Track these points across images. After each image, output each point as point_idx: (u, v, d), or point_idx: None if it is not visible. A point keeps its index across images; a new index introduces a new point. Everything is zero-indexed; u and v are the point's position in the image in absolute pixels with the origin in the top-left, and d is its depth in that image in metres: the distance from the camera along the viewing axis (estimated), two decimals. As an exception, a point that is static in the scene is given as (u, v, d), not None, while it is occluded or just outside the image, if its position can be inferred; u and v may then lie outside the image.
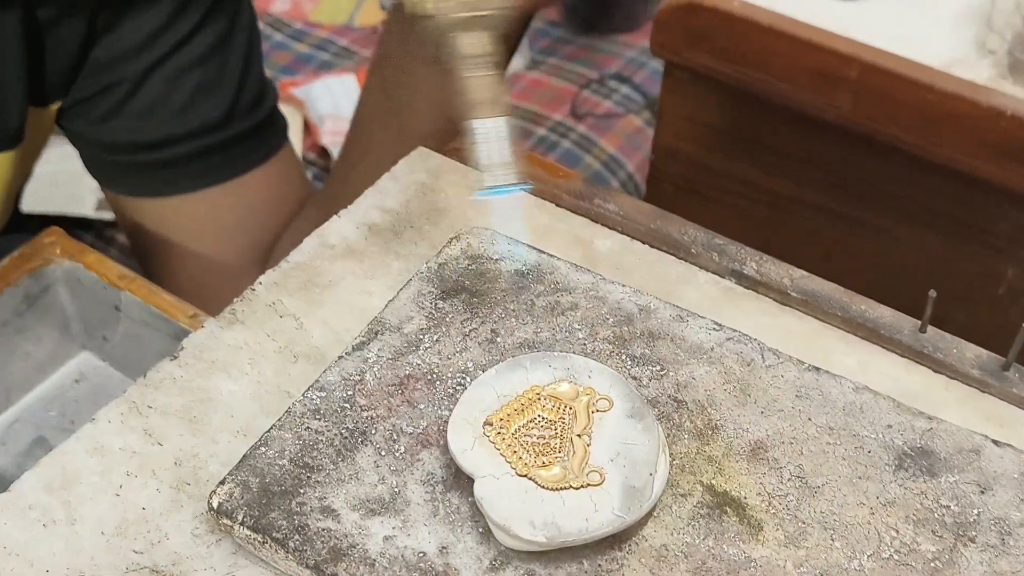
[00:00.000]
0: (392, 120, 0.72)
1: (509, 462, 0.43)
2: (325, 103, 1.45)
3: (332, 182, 0.85)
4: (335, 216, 0.57)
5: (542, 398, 0.46)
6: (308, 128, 1.42)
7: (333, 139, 1.38)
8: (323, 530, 0.43)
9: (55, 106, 0.76)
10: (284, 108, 0.87)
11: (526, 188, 0.47)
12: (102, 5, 0.71)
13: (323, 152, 1.39)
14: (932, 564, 0.43)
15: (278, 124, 0.84)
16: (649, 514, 0.44)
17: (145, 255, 0.85)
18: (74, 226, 1.25)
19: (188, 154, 0.79)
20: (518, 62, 1.55)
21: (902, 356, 0.52)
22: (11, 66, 0.68)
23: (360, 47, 1.60)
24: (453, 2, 0.45)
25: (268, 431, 0.46)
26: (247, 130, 0.80)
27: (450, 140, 0.62)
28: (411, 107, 0.71)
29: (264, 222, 0.83)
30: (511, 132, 0.45)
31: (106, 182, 0.84)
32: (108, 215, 1.25)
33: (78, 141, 0.81)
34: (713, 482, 0.45)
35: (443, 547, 0.43)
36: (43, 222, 0.82)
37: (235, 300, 0.53)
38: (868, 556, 0.43)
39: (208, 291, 0.78)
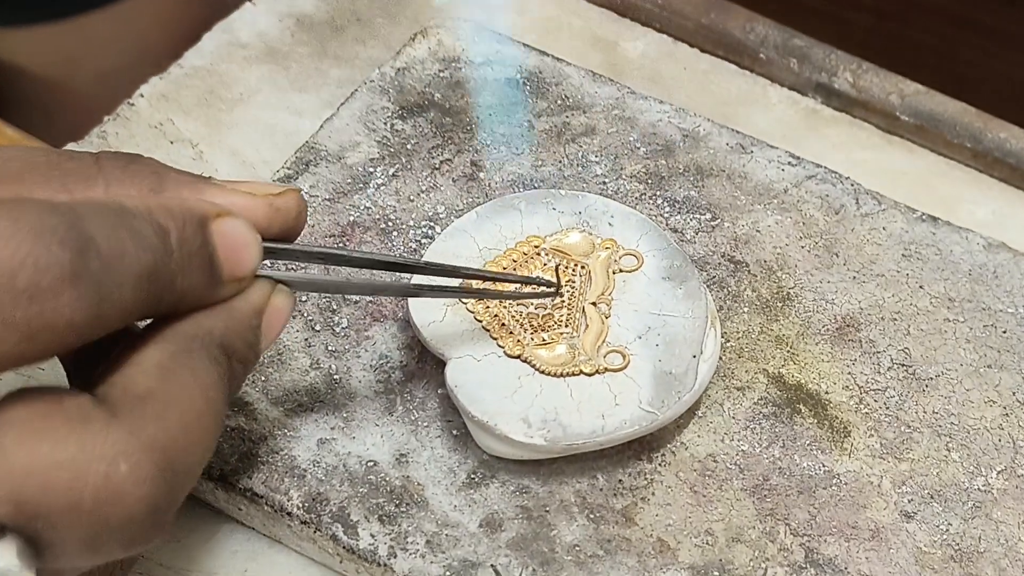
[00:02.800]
0: None
1: (495, 338, 0.44)
2: None
3: None
4: (248, 2, 0.57)
5: (542, 252, 0.46)
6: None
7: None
8: (232, 430, 0.44)
9: None
10: None
11: None
12: None
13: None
14: (1088, 485, 0.45)
15: None
16: (691, 412, 0.45)
17: None
18: None
19: None
20: None
21: (1056, 205, 0.53)
22: None
23: None
24: None
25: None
26: None
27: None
28: None
29: (162, 53, 0.83)
30: None
31: None
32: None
33: None
34: (782, 371, 0.46)
35: (401, 455, 0.44)
36: None
37: (105, 119, 0.53)
38: (998, 473, 0.45)
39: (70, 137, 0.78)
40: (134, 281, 0.33)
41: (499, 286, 0.44)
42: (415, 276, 0.44)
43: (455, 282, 0.44)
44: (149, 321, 0.37)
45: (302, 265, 0.43)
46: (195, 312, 0.37)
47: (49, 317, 0.32)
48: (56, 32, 0.81)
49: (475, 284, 0.45)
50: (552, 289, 0.44)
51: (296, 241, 0.40)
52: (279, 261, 0.39)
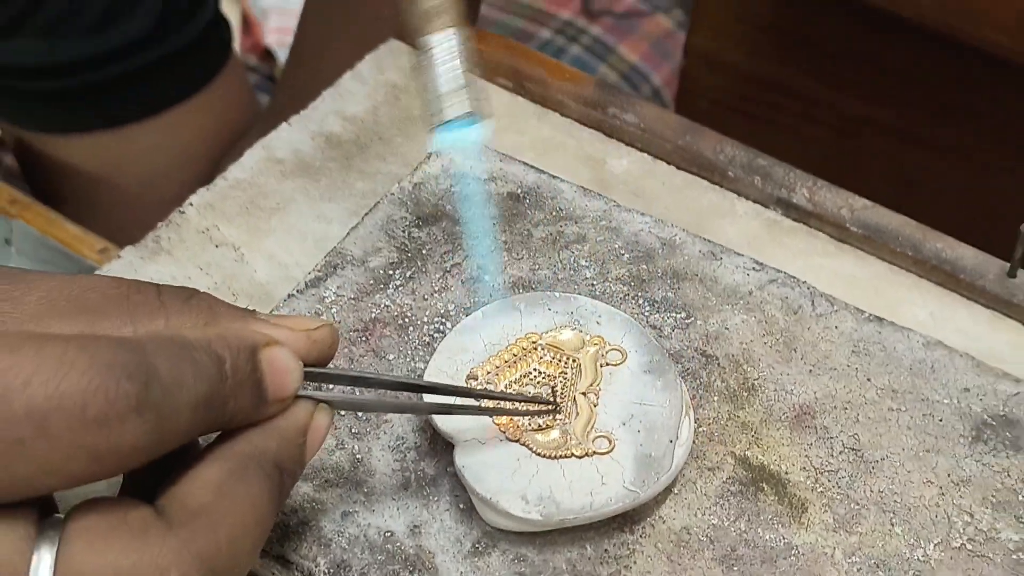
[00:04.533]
0: (350, 32, 0.72)
1: (498, 424, 0.45)
2: (269, -6, 1.45)
3: (280, 92, 0.85)
4: (284, 124, 0.58)
5: (539, 348, 0.47)
6: (248, 25, 1.42)
7: (279, 38, 1.39)
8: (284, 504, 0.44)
9: None
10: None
11: (483, 122, 0.46)
12: None
13: (266, 54, 1.39)
14: (1014, 556, 0.45)
15: (219, 37, 0.84)
16: (668, 490, 0.45)
17: (49, 197, 0.85)
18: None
19: (104, 82, 0.79)
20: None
21: (986, 307, 0.54)
22: None
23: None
24: None
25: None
26: (179, 50, 0.80)
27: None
28: (371, 12, 0.71)
29: (201, 160, 0.82)
30: (465, 48, 0.45)
31: (1, 112, 0.83)
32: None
33: None
34: (748, 453, 0.47)
35: (414, 526, 0.44)
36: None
37: (159, 225, 0.54)
38: (935, 545, 0.45)
39: (125, 240, 0.78)
40: (192, 407, 0.34)
41: (505, 403, 0.45)
42: (430, 396, 0.45)
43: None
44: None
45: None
46: (246, 430, 0.37)
47: (115, 442, 0.32)
48: (106, 139, 0.81)
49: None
50: (550, 407, 0.45)
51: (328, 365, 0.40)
52: (311, 384, 0.39)
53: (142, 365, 0.33)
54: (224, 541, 0.34)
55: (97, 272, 0.52)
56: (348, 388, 0.42)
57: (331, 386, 0.40)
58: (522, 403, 0.45)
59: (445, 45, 0.44)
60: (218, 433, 0.37)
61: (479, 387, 0.46)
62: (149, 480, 0.36)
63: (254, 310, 0.39)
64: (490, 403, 0.45)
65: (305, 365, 0.38)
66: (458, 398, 0.44)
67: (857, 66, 0.95)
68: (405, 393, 0.45)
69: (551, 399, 0.45)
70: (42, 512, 0.33)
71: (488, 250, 0.51)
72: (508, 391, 0.46)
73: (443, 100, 0.44)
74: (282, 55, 1.37)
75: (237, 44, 1.36)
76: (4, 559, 0.32)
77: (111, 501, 0.34)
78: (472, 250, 0.52)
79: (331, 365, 0.41)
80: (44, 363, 0.31)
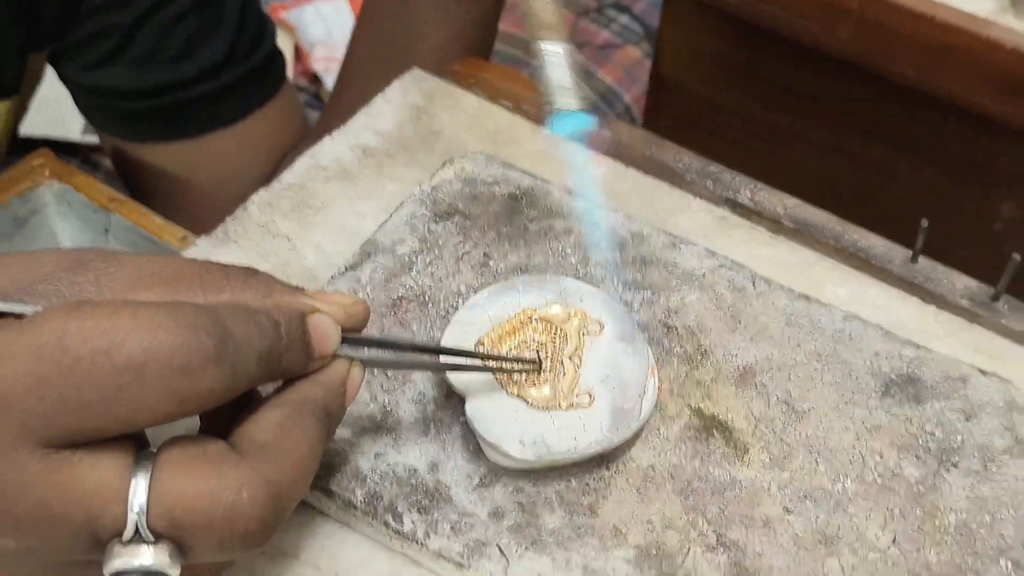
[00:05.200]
0: (385, 61, 0.71)
1: (500, 381, 0.44)
2: (316, 29, 1.44)
3: (324, 121, 0.84)
4: (328, 136, 0.57)
5: (534, 320, 0.47)
6: (299, 54, 1.42)
7: (324, 65, 1.38)
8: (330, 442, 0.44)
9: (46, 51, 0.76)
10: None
11: (590, 115, 0.46)
12: None
13: (314, 78, 1.39)
14: (915, 488, 0.45)
15: (277, 66, 0.83)
16: (637, 435, 0.45)
17: (140, 195, 0.85)
18: (60, 150, 1.25)
19: (186, 100, 0.78)
20: (515, -10, 1.54)
21: (893, 286, 0.53)
22: (6, 10, 0.68)
23: (353, -29, 1.59)
24: None
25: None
26: (245, 74, 0.80)
27: (447, 65, 0.63)
28: (407, 47, 0.71)
29: (262, 164, 0.83)
30: (574, 58, 0.45)
31: (100, 126, 0.83)
32: (94, 139, 1.25)
33: (71, 85, 0.80)
34: (701, 406, 0.47)
35: (433, 464, 0.44)
36: (28, 145, 0.82)
37: (227, 219, 0.53)
38: (852, 479, 0.45)
39: (201, 230, 0.78)
40: (256, 359, 0.34)
41: (504, 364, 0.45)
42: (444, 356, 0.45)
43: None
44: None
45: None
46: (298, 381, 0.37)
47: (197, 387, 0.32)
48: (185, 147, 0.81)
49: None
50: (535, 366, 0.45)
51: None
52: (349, 346, 0.39)
53: (218, 325, 0.33)
54: (285, 468, 0.34)
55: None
56: (379, 350, 0.42)
57: (365, 349, 0.40)
58: (516, 363, 0.45)
59: (558, 52, 0.44)
60: (277, 385, 0.37)
61: (485, 351, 0.45)
62: (222, 424, 0.36)
63: (303, 287, 0.39)
64: (492, 363, 0.45)
65: (342, 331, 0.38)
66: (467, 359, 0.44)
67: (787, 91, 0.95)
68: (426, 355, 0.45)
69: (538, 360, 0.45)
70: (137, 446, 0.33)
71: (493, 240, 0.51)
72: (508, 355, 0.45)
73: (561, 95, 0.44)
74: (327, 79, 1.37)
75: (290, 70, 1.36)
76: (108, 483, 0.32)
77: (193, 437, 0.34)
78: (479, 240, 0.51)
79: (364, 333, 0.41)
80: (139, 324, 0.32)
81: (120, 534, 0.32)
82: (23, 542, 0.32)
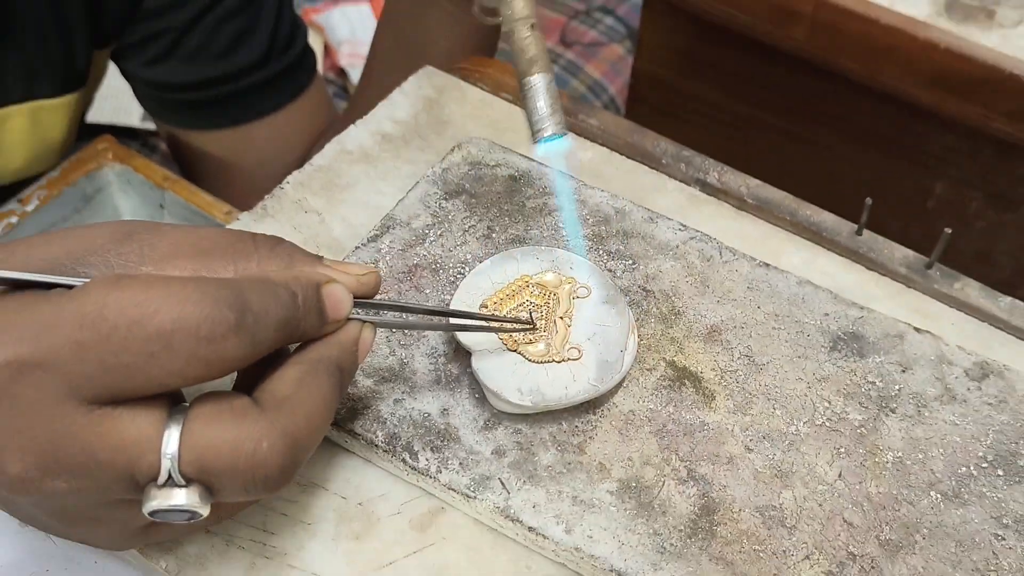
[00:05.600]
0: (402, 60, 0.71)
1: (501, 339, 0.44)
2: (343, 29, 1.43)
3: (351, 110, 0.84)
4: (352, 125, 0.57)
5: (530, 285, 0.46)
6: (328, 51, 1.41)
7: (350, 60, 1.37)
8: (344, 394, 0.44)
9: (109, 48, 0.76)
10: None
11: (566, 138, 0.46)
12: None
13: (341, 72, 1.38)
14: (858, 431, 0.45)
15: (309, 62, 0.83)
16: (619, 385, 0.45)
17: (190, 175, 0.85)
18: (121, 135, 1.25)
19: (230, 93, 0.78)
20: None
21: (840, 256, 0.53)
22: (78, 9, 0.68)
23: (374, -22, 1.57)
24: None
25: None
26: (282, 70, 0.79)
27: (455, 62, 0.62)
28: (421, 47, 0.70)
29: (296, 148, 0.82)
30: (553, 89, 0.45)
31: (155, 114, 0.83)
32: (151, 126, 1.24)
33: (131, 79, 0.80)
34: (674, 359, 0.47)
35: (444, 409, 0.44)
36: (94, 131, 0.82)
37: (266, 197, 0.53)
38: (804, 423, 0.45)
39: (243, 206, 0.78)
40: (274, 327, 0.34)
41: (503, 323, 0.45)
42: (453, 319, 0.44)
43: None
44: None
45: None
46: (315, 342, 0.37)
47: (219, 353, 0.32)
48: (230, 134, 0.81)
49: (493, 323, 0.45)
50: (530, 326, 0.45)
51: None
52: (363, 310, 0.39)
53: (239, 298, 0.33)
54: (302, 420, 0.34)
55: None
56: (395, 314, 0.42)
57: (379, 312, 0.40)
58: (514, 323, 0.45)
59: (541, 84, 0.44)
60: (297, 345, 0.37)
61: (487, 312, 0.45)
62: (256, 377, 0.36)
63: (322, 256, 0.39)
64: (495, 324, 0.44)
65: (356, 298, 0.38)
66: (467, 320, 0.44)
67: (749, 83, 0.95)
68: (436, 317, 0.45)
69: (531, 321, 0.45)
70: (173, 401, 0.33)
71: (495, 215, 0.51)
72: (507, 315, 0.45)
73: (542, 123, 0.44)
74: (352, 73, 1.36)
75: (320, 65, 1.35)
76: (145, 434, 0.32)
77: (221, 393, 0.34)
78: (483, 215, 0.51)
79: (383, 298, 0.40)
80: (169, 297, 0.31)
81: (156, 478, 0.32)
82: (73, 484, 0.32)
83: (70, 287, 0.32)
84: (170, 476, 0.32)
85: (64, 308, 0.31)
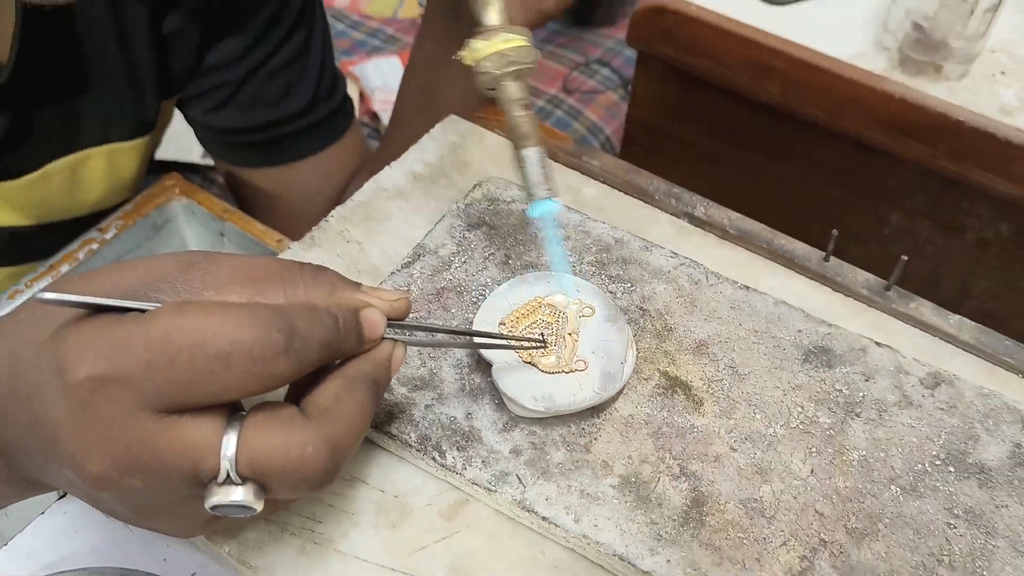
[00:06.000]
0: (426, 107, 0.71)
1: (517, 353, 0.44)
2: (376, 79, 1.44)
3: (383, 149, 0.84)
4: (387, 167, 0.57)
5: (542, 306, 0.46)
6: (363, 97, 1.41)
7: (382, 106, 1.38)
8: (380, 403, 0.44)
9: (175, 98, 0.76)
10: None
11: (556, 201, 0.46)
12: (210, 24, 0.70)
13: (374, 116, 1.38)
14: (828, 432, 0.45)
15: (347, 108, 0.83)
16: (620, 392, 0.45)
17: (244, 206, 0.85)
18: (183, 169, 1.25)
19: (280, 136, 0.78)
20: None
21: (810, 279, 0.53)
22: (148, 67, 0.68)
23: (403, 35, 1.58)
24: (498, 60, 0.45)
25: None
26: (324, 116, 0.79)
27: (472, 112, 0.62)
28: (440, 95, 0.70)
29: (336, 182, 0.82)
30: (547, 158, 0.45)
31: (215, 154, 0.83)
32: (210, 162, 1.24)
33: (194, 124, 0.80)
34: (667, 370, 0.46)
35: (468, 413, 0.44)
36: (161, 167, 0.82)
37: (313, 228, 0.53)
38: (781, 425, 0.45)
39: (291, 234, 0.78)
40: (318, 348, 0.33)
41: (522, 341, 0.45)
42: (474, 338, 0.44)
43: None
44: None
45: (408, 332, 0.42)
46: (353, 359, 0.36)
47: (270, 371, 0.32)
48: (280, 171, 0.81)
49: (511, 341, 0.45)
50: (542, 344, 0.44)
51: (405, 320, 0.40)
52: (395, 330, 0.39)
53: (288, 324, 0.32)
54: (341, 427, 0.34)
55: (277, 256, 0.52)
56: (424, 333, 0.42)
57: (410, 332, 0.40)
58: (527, 341, 0.44)
59: (534, 156, 0.44)
60: (337, 362, 0.37)
61: (505, 331, 0.45)
62: (304, 388, 0.36)
63: (360, 283, 0.39)
64: (512, 341, 0.44)
65: (389, 320, 0.38)
66: (491, 338, 0.44)
67: (728, 128, 0.94)
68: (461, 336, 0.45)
69: (542, 340, 0.44)
70: (232, 410, 0.33)
71: (511, 245, 0.51)
72: (522, 333, 0.45)
73: (535, 189, 0.44)
74: (384, 117, 1.36)
75: (356, 110, 1.36)
76: (207, 439, 0.32)
77: (273, 403, 0.34)
78: (501, 245, 0.51)
79: (414, 318, 0.40)
80: (227, 322, 0.31)
81: (216, 477, 0.32)
82: (146, 482, 0.32)
83: (142, 311, 0.32)
84: (228, 476, 0.32)
85: (136, 332, 0.31)
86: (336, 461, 0.34)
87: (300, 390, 0.36)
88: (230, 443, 0.32)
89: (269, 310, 0.32)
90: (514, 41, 0.45)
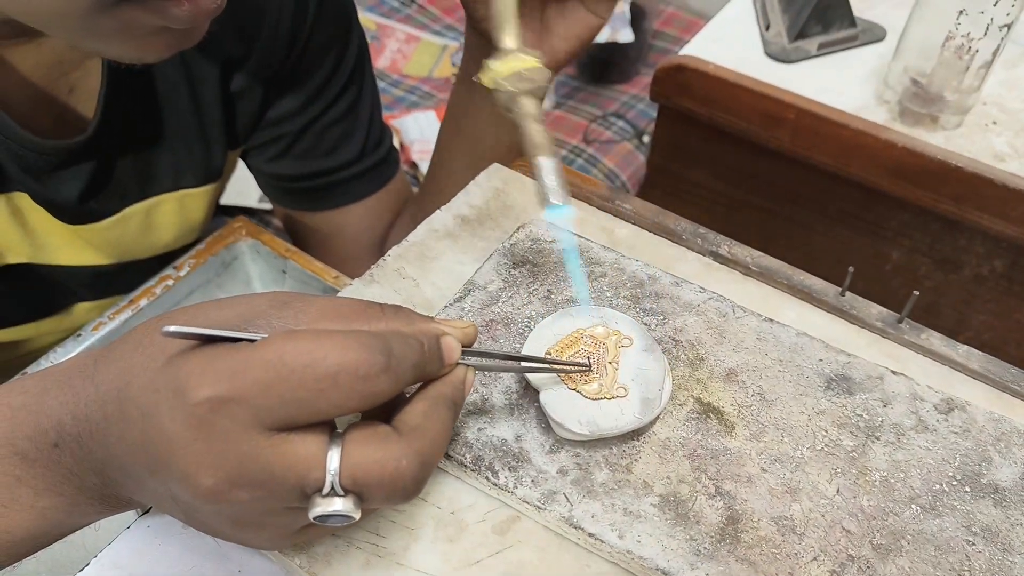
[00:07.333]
0: (460, 148, 0.72)
1: (563, 380, 0.44)
2: (414, 131, 1.45)
3: (422, 193, 0.85)
4: (438, 211, 0.57)
5: (584, 337, 0.46)
6: (402, 148, 1.42)
7: (420, 156, 1.39)
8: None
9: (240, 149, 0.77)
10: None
11: (572, 207, 0.45)
12: (272, 82, 0.71)
13: (413, 165, 1.40)
14: (851, 454, 0.44)
15: (393, 157, 0.83)
16: (657, 417, 0.45)
17: (300, 245, 0.86)
18: (242, 212, 1.26)
19: (333, 183, 0.79)
20: (547, 103, 1.54)
21: (828, 312, 0.52)
22: (217, 121, 0.69)
23: (437, 91, 1.59)
24: (514, 79, 0.45)
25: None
26: (373, 165, 0.80)
27: (511, 161, 0.63)
28: (473, 142, 0.71)
29: (383, 224, 0.83)
30: (560, 167, 0.45)
31: (274, 199, 0.84)
32: (267, 206, 1.25)
33: (255, 171, 0.81)
34: (700, 396, 0.46)
35: (518, 436, 0.44)
36: (223, 210, 0.83)
37: (372, 267, 0.53)
38: (807, 448, 0.44)
39: (343, 269, 0.78)
40: (412, 369, 0.33)
41: (565, 367, 0.44)
42: (525, 362, 0.44)
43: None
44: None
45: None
46: (435, 381, 0.37)
47: (373, 389, 0.32)
48: (334, 214, 0.82)
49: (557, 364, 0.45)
50: (587, 368, 0.44)
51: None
52: (464, 356, 0.39)
53: (386, 346, 0.33)
54: (429, 443, 0.34)
55: (338, 294, 0.52)
56: (481, 359, 0.42)
57: (474, 358, 0.40)
58: (573, 366, 0.44)
59: (548, 164, 0.43)
60: (419, 384, 0.37)
61: (552, 358, 0.45)
62: (382, 412, 0.36)
63: (432, 316, 0.39)
64: (557, 367, 0.44)
65: (461, 347, 0.38)
66: (539, 364, 0.44)
67: (743, 173, 0.94)
68: (511, 361, 0.45)
69: (588, 364, 0.44)
70: (331, 429, 0.33)
71: (554, 282, 0.51)
72: (567, 360, 0.45)
73: (550, 194, 0.43)
74: (422, 165, 1.37)
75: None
76: (313, 454, 0.32)
77: (368, 422, 0.34)
78: (544, 280, 0.51)
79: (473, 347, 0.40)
80: (334, 345, 0.31)
81: (320, 489, 0.32)
82: (254, 494, 0.32)
83: (252, 340, 0.32)
84: (332, 488, 0.32)
85: (251, 356, 0.31)
86: (425, 473, 0.34)
87: (384, 412, 0.36)
88: (334, 457, 0.32)
89: (369, 335, 0.33)
90: (528, 62, 0.45)
